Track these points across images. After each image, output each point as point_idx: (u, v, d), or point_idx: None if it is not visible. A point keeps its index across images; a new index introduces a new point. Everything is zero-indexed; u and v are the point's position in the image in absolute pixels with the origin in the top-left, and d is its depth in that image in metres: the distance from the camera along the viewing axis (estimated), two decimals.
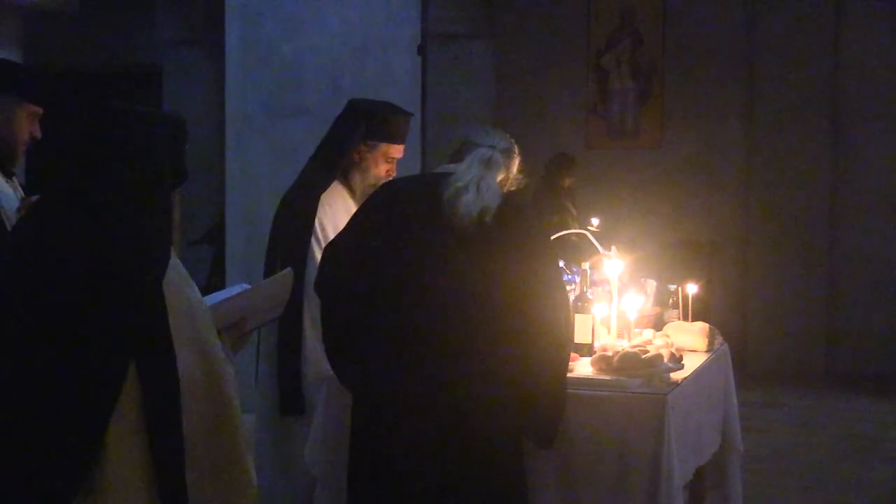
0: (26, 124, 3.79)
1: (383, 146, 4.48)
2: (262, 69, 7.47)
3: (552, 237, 3.66)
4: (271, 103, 7.46)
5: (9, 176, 3.84)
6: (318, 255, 4.35)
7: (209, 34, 11.07)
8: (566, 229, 9.50)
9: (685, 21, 10.74)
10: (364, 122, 4.46)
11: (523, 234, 3.52)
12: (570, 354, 3.69)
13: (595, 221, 9.70)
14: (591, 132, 11.05)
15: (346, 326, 3.59)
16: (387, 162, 4.50)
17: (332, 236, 4.40)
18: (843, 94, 10.26)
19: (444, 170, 3.66)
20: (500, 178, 3.65)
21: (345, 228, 3.78)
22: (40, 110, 3.83)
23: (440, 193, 3.50)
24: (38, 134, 3.84)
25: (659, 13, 10.85)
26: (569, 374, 4.04)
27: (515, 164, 3.81)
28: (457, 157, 3.69)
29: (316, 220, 4.38)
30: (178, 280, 2.60)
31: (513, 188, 3.84)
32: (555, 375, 3.58)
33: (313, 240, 4.35)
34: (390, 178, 4.52)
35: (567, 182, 9.87)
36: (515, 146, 3.82)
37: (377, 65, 7.37)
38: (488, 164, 3.60)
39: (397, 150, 4.53)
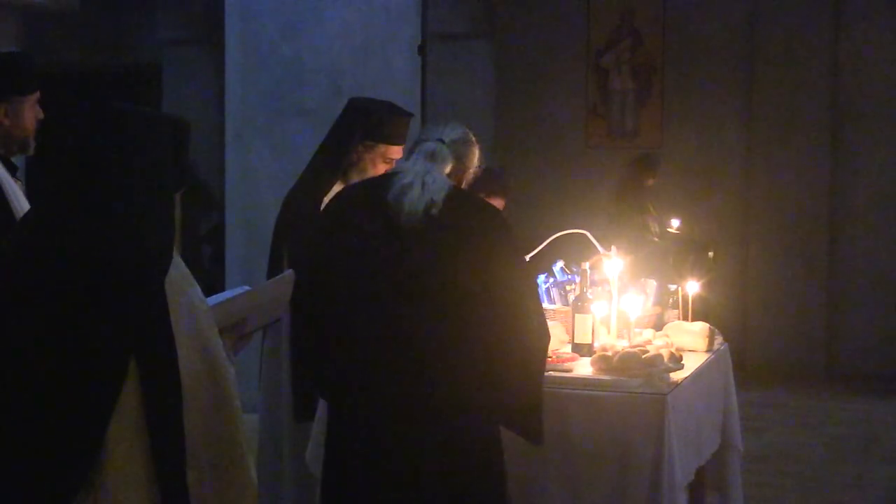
0: (32, 114, 3.84)
1: (381, 147, 4.46)
2: (262, 69, 7.47)
3: (507, 224, 3.56)
4: (271, 103, 7.46)
5: (13, 174, 3.86)
6: None
7: (209, 34, 11.08)
8: (646, 230, 9.54)
9: (685, 21, 10.74)
10: (361, 123, 4.44)
11: (476, 222, 3.47)
12: (544, 341, 3.53)
13: (675, 223, 9.73)
14: (591, 132, 11.05)
15: (316, 338, 3.55)
16: (385, 162, 4.48)
17: None
18: (843, 94, 10.26)
19: (392, 170, 3.64)
20: (448, 169, 3.59)
21: (307, 242, 3.76)
22: (38, 94, 3.87)
23: (386, 194, 3.47)
24: (41, 115, 3.89)
25: (659, 13, 10.85)
26: (569, 374, 4.04)
27: (472, 154, 3.73)
28: (408, 155, 3.66)
29: None
30: (180, 279, 2.60)
31: (471, 177, 3.77)
32: (527, 365, 3.49)
33: None
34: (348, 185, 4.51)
35: (650, 182, 9.79)
36: (470, 136, 3.75)
37: (377, 65, 7.36)
38: (433, 157, 3.55)
39: (396, 151, 4.50)
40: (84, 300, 2.50)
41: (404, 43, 7.45)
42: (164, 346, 2.52)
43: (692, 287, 4.91)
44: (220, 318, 2.78)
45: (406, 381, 3.41)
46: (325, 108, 6.83)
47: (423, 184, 3.45)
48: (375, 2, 7.39)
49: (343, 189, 3.95)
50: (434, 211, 3.42)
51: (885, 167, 10.24)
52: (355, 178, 4.47)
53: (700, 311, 4.96)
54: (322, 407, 4.17)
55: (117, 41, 12.23)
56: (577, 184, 10.82)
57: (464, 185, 3.73)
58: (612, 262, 4.59)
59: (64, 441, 2.47)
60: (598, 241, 4.86)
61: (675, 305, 4.94)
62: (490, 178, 5.35)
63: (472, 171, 3.76)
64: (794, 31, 10.21)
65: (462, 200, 3.53)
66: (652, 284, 5.02)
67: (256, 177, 7.47)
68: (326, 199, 4.40)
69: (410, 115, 4.62)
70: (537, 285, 3.67)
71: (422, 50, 7.60)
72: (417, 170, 3.50)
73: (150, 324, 2.51)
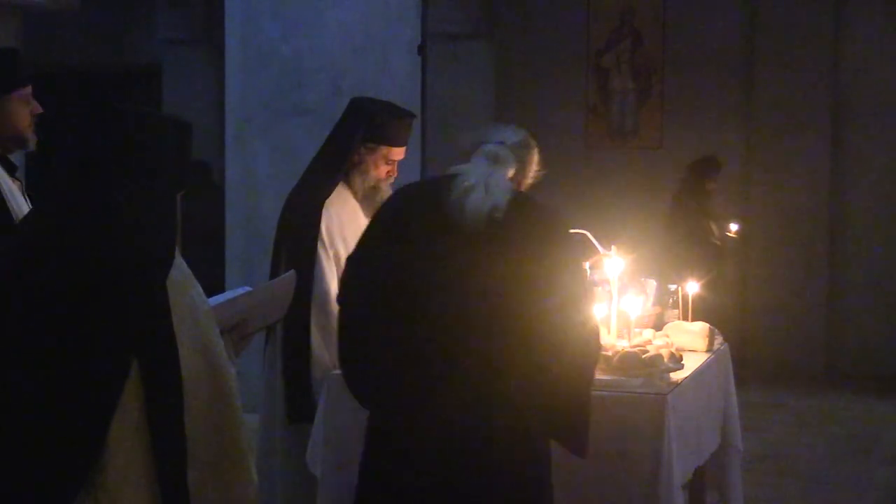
0: (23, 109, 3.76)
1: (383, 149, 4.44)
2: (262, 69, 7.47)
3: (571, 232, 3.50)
4: (271, 103, 7.46)
5: (12, 173, 3.82)
6: (325, 262, 4.34)
7: (209, 34, 11.09)
8: (706, 233, 9.53)
9: (685, 21, 10.74)
10: (364, 125, 4.42)
11: (539, 229, 3.39)
12: (594, 356, 3.47)
13: (734, 227, 9.70)
14: (591, 132, 11.05)
15: (364, 342, 3.45)
16: (387, 164, 4.47)
17: (337, 242, 4.38)
18: (843, 94, 10.26)
19: (453, 171, 3.54)
20: (511, 173, 3.53)
21: (360, 241, 3.66)
22: (30, 89, 3.77)
23: (448, 195, 3.38)
24: (39, 109, 3.79)
25: (659, 13, 10.85)
26: None
27: (532, 157, 3.66)
28: (467, 157, 3.56)
29: (322, 226, 4.35)
30: (182, 279, 2.61)
31: (531, 181, 3.70)
32: (576, 378, 3.40)
33: (320, 247, 4.34)
34: (390, 179, 4.50)
35: (710, 186, 9.74)
36: (531, 140, 3.67)
37: (377, 64, 7.36)
38: (496, 160, 3.48)
39: (398, 153, 4.49)
40: (86, 301, 2.50)
41: (404, 43, 7.45)
42: (166, 347, 2.52)
43: (692, 287, 4.91)
44: (221, 319, 2.78)
45: (453, 389, 3.31)
46: (325, 108, 6.83)
47: (487, 186, 3.37)
48: (375, 2, 7.39)
49: (405, 186, 3.88)
50: (498, 215, 3.34)
51: (885, 167, 10.24)
52: (357, 180, 4.46)
53: (700, 311, 4.96)
54: (321, 407, 4.17)
55: (117, 41, 12.24)
56: (577, 184, 10.81)
57: (523, 188, 3.64)
58: (612, 262, 4.58)
59: (65, 441, 2.48)
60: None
61: (675, 305, 4.94)
62: None
63: (531, 175, 3.69)
64: (794, 31, 10.21)
65: (526, 206, 3.44)
66: (652, 284, 5.01)
67: (256, 177, 7.47)
68: (328, 204, 4.40)
69: (413, 116, 4.60)
70: (594, 298, 3.57)
71: (421, 50, 7.60)
72: (480, 172, 3.42)
73: (151, 324, 2.51)
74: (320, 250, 4.33)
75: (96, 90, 11.87)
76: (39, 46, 10.69)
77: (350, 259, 3.62)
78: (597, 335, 3.48)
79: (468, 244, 3.34)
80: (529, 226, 3.39)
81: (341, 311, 3.56)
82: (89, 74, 12.12)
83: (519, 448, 3.36)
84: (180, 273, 2.61)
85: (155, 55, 11.81)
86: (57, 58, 11.57)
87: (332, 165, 4.46)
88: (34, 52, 9.95)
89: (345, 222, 4.41)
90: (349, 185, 4.48)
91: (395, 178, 4.55)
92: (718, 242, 9.65)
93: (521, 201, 3.44)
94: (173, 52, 11.67)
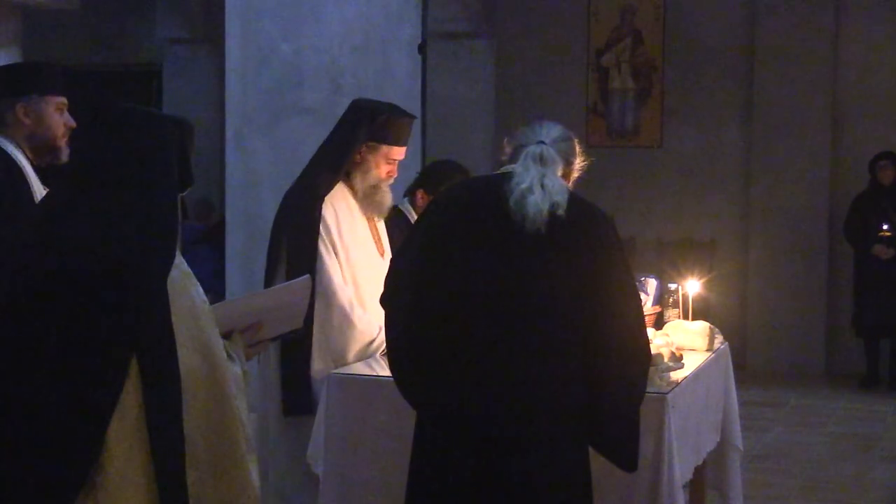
0: (58, 117, 3.79)
1: (384, 148, 4.47)
2: (262, 69, 7.45)
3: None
4: (271, 103, 7.44)
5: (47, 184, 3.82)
6: (325, 255, 4.35)
7: (209, 34, 11.10)
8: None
9: (685, 21, 10.75)
10: (367, 124, 4.44)
11: (594, 233, 3.41)
12: (644, 367, 3.48)
13: None
14: (591, 131, 11.04)
15: (413, 342, 3.43)
16: (388, 163, 4.49)
17: (336, 239, 4.39)
18: (844, 93, 10.26)
19: (503, 171, 3.53)
20: (560, 170, 3.54)
21: (409, 238, 3.64)
22: (65, 100, 3.81)
23: (505, 195, 3.39)
24: (72, 123, 3.79)
25: (659, 13, 10.86)
26: None
27: (574, 148, 3.66)
28: (511, 160, 3.56)
29: (321, 224, 4.35)
30: (182, 278, 2.61)
31: (579, 172, 3.70)
32: (626, 389, 3.41)
33: (319, 240, 4.34)
34: (390, 179, 4.51)
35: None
36: (568, 132, 3.66)
37: (377, 64, 7.35)
38: (543, 160, 3.48)
39: (399, 153, 4.51)
40: (86, 299, 2.50)
41: (404, 42, 7.44)
42: (165, 346, 2.52)
43: (692, 286, 4.91)
44: (229, 319, 2.77)
45: (504, 392, 3.31)
46: (325, 107, 6.81)
47: (543, 186, 3.39)
48: (376, 1, 7.38)
49: (456, 185, 3.84)
50: (560, 212, 3.36)
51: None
52: (358, 179, 4.47)
53: (700, 311, 4.96)
54: (322, 406, 4.17)
55: (117, 41, 12.25)
56: (577, 183, 10.80)
57: (570, 183, 3.65)
58: None
59: (64, 440, 2.47)
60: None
61: (675, 304, 4.94)
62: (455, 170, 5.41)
63: (578, 166, 3.70)
64: (794, 30, 10.21)
65: (582, 208, 3.46)
66: (653, 283, 5.02)
67: (256, 176, 7.46)
68: (328, 201, 4.41)
69: (414, 117, 4.65)
70: (642, 305, 3.60)
71: (422, 49, 7.60)
72: (532, 174, 3.43)
73: (151, 323, 2.51)
74: (320, 243, 4.34)
75: (96, 90, 11.87)
76: (39, 46, 10.70)
77: (396, 257, 3.60)
78: (647, 348, 3.50)
79: (527, 245, 3.35)
80: (587, 230, 3.41)
81: (389, 315, 3.54)
82: (89, 73, 12.12)
83: (566, 451, 3.38)
84: (180, 272, 2.61)
85: (155, 55, 11.83)
86: (57, 58, 11.57)
87: (333, 164, 4.47)
88: (34, 51, 9.96)
89: (342, 219, 4.42)
90: (350, 184, 4.49)
91: (395, 179, 4.57)
92: None
93: (578, 202, 3.46)
94: (173, 52, 11.68)
